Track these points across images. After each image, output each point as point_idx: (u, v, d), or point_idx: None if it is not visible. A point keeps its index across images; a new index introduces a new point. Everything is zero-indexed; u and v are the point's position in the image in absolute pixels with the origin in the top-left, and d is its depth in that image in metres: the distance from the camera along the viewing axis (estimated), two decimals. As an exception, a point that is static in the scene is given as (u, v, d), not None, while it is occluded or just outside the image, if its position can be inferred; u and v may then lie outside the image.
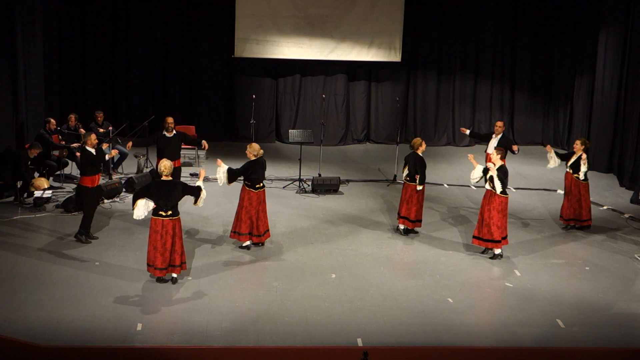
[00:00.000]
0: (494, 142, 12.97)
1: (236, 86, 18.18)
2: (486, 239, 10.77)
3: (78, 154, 12.82)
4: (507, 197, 10.71)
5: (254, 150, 10.82)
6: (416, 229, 11.82)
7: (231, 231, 10.99)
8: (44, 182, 12.43)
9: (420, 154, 11.50)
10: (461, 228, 12.32)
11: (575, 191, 12.18)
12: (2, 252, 10.56)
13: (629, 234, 12.30)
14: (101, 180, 13.90)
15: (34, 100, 14.73)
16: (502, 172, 10.63)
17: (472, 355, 8.27)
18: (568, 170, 12.28)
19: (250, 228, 10.82)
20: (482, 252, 10.99)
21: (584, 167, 12.06)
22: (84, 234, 10.96)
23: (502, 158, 10.90)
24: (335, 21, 17.79)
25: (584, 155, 12.08)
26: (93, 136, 10.96)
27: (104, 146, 11.99)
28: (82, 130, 14.37)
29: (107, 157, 11.49)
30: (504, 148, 12.75)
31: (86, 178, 10.89)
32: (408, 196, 11.57)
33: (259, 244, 11.05)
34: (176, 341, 8.26)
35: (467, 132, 13.51)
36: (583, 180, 12.16)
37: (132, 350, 8.02)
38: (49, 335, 8.26)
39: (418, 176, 11.40)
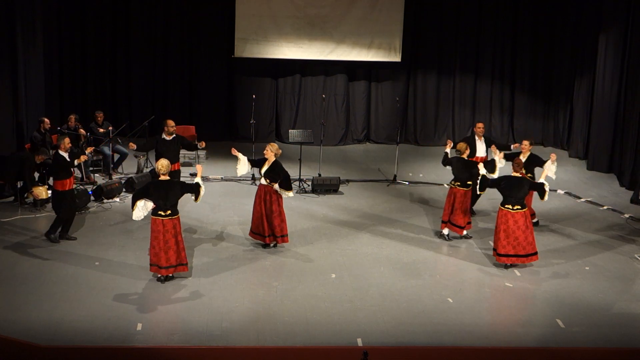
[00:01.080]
0: (480, 144, 12.74)
1: (236, 86, 18.16)
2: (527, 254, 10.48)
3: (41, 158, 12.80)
4: (505, 210, 10.42)
5: (274, 149, 10.85)
6: (467, 232, 11.66)
7: (282, 235, 11.01)
8: (42, 192, 12.42)
9: (466, 158, 11.44)
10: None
11: None
12: (2, 252, 10.57)
13: (629, 234, 12.29)
14: (102, 180, 14.03)
15: (34, 100, 14.73)
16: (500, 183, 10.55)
17: (472, 355, 8.28)
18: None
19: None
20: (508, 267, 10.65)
21: (553, 167, 11.69)
22: (52, 234, 10.94)
23: (515, 170, 10.54)
24: (335, 21, 17.77)
25: (554, 156, 11.76)
26: (67, 140, 10.93)
27: (88, 150, 11.99)
28: (82, 131, 14.38)
29: (75, 162, 11.35)
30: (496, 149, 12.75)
31: (58, 182, 10.85)
32: (457, 202, 11.43)
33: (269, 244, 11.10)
34: (176, 341, 8.27)
35: (452, 144, 13.04)
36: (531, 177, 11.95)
37: (132, 350, 8.03)
38: (49, 335, 8.27)
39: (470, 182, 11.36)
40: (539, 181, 10.60)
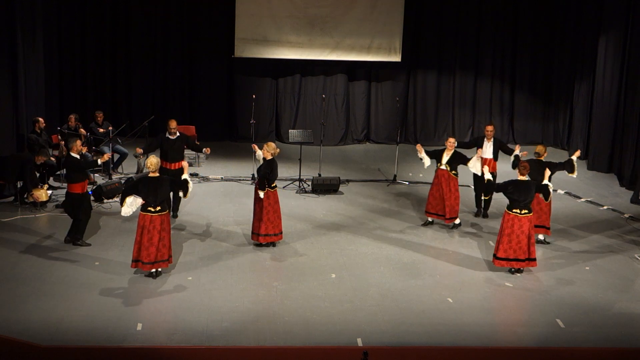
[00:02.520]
0: (488, 146, 12.68)
1: (236, 86, 18.17)
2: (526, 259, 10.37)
3: (54, 157, 12.78)
4: (512, 215, 10.25)
5: (271, 149, 10.85)
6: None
7: (276, 234, 11.03)
8: (42, 194, 12.42)
9: (543, 160, 11.42)
10: (461, 228, 12.32)
11: (450, 187, 11.95)
12: (2, 252, 10.56)
13: (629, 234, 12.30)
14: (102, 180, 14.02)
15: (33, 100, 14.71)
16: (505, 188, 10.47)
17: (472, 355, 8.28)
18: (443, 167, 11.99)
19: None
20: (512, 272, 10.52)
21: (478, 164, 11.71)
22: (80, 239, 10.92)
23: (522, 174, 10.39)
24: (335, 21, 17.78)
25: (480, 151, 11.89)
26: (78, 142, 10.85)
27: (83, 149, 11.98)
28: (82, 130, 14.38)
29: (99, 161, 11.30)
30: (501, 150, 12.72)
31: (75, 185, 10.75)
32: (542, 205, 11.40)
33: (270, 243, 11.09)
34: (176, 341, 8.27)
35: (455, 143, 13.14)
36: (455, 174, 12.03)
37: (132, 350, 8.03)
38: (49, 335, 8.27)
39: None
40: (543, 183, 10.56)
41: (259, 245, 11.05)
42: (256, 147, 11.41)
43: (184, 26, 17.76)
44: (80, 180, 10.78)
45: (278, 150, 11.01)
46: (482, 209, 12.94)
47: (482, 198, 12.85)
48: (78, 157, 10.82)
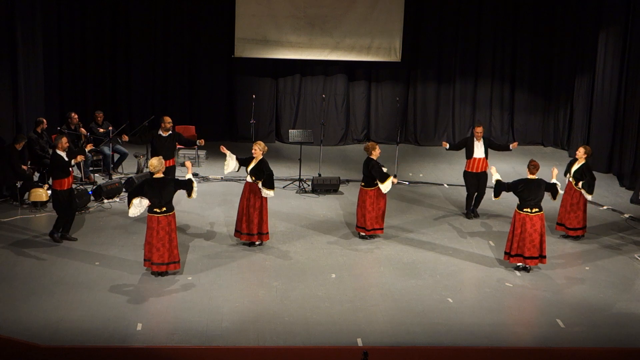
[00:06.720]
0: (479, 146, 12.61)
1: (236, 86, 18.16)
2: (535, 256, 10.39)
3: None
4: (524, 214, 10.31)
5: (261, 147, 10.93)
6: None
7: (261, 233, 11.06)
8: (42, 195, 12.43)
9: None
10: (461, 228, 12.32)
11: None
12: (2, 252, 10.57)
13: (629, 234, 12.30)
14: (102, 180, 14.03)
15: (33, 100, 14.72)
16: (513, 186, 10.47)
17: (472, 355, 8.28)
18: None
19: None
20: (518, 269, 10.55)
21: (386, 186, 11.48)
22: (56, 233, 10.97)
23: (532, 173, 10.41)
24: (335, 21, 17.77)
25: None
26: (64, 140, 10.91)
27: (87, 147, 12.04)
28: (83, 130, 14.38)
29: (72, 162, 11.20)
30: (490, 148, 12.72)
31: (56, 182, 10.83)
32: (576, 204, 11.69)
33: (256, 242, 11.14)
34: (176, 341, 8.28)
35: (447, 146, 12.99)
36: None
37: (132, 350, 8.04)
38: (49, 335, 8.27)
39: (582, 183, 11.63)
40: (551, 181, 10.58)
41: (250, 244, 11.05)
42: (225, 149, 11.33)
43: (184, 26, 17.76)
44: (62, 177, 10.82)
45: (267, 148, 11.10)
46: (471, 210, 12.86)
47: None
48: (64, 154, 10.85)
